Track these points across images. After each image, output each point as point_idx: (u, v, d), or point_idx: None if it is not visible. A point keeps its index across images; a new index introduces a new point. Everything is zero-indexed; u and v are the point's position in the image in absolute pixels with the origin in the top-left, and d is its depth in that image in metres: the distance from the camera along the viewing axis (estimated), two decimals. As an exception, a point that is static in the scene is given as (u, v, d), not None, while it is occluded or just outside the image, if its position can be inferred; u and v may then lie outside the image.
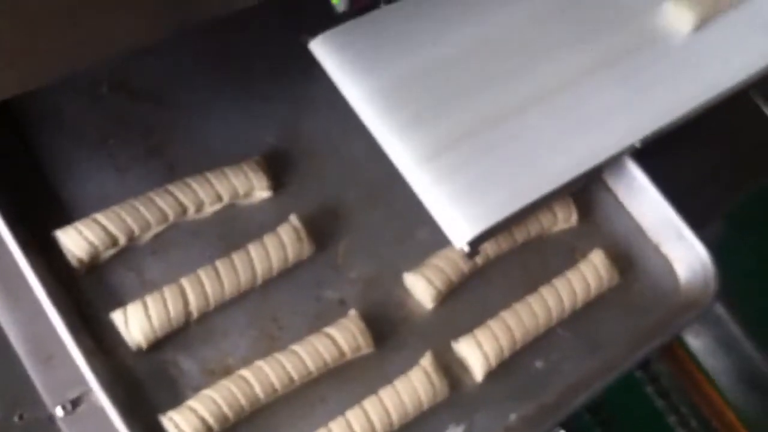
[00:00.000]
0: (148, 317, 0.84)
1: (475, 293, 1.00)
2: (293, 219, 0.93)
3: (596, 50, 1.03)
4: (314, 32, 0.95)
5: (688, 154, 1.15)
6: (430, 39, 0.99)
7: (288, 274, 0.93)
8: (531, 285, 1.01)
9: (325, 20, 0.95)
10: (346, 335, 0.89)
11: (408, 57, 0.97)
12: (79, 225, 0.86)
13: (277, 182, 0.96)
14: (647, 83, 1.03)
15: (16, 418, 0.81)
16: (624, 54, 1.04)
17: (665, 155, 1.06)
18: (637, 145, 0.98)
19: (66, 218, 0.87)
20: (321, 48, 0.95)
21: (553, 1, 1.06)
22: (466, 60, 0.99)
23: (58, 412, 0.81)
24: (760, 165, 1.25)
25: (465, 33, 1.01)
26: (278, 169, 0.98)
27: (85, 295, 0.87)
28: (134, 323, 0.84)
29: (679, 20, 1.07)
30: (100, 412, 0.81)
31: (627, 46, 1.05)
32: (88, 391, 0.81)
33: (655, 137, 0.99)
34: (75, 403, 0.81)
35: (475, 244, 0.90)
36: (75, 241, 0.85)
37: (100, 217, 0.86)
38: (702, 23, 1.07)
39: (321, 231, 0.96)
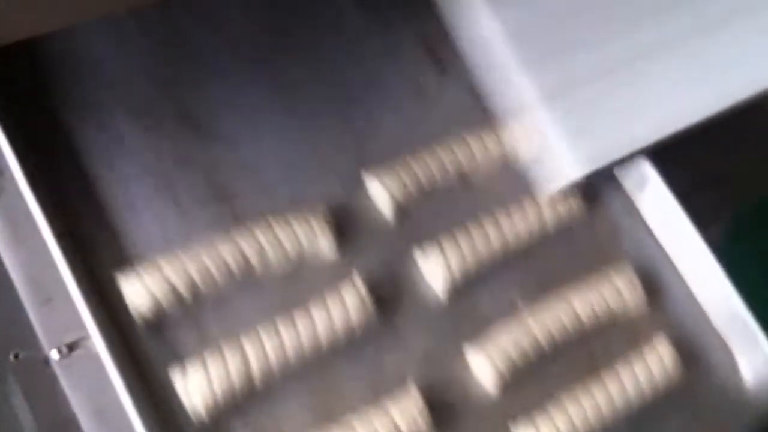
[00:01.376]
0: (209, 380, 0.82)
1: (536, 374, 0.94)
2: (357, 281, 0.90)
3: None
4: None
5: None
6: None
7: (348, 337, 0.89)
8: (593, 369, 0.96)
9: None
10: (406, 417, 0.85)
11: None
12: (145, 276, 0.84)
13: (342, 237, 0.94)
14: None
15: (11, 357, 0.79)
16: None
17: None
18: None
19: (125, 258, 0.87)
20: None
21: None
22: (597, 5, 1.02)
23: (54, 355, 0.79)
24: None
25: None
26: (344, 222, 0.96)
27: (142, 348, 0.84)
28: (194, 386, 0.81)
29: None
30: (95, 358, 0.78)
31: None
32: (85, 336, 0.79)
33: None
34: (71, 347, 0.79)
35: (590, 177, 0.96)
36: (139, 294, 0.83)
37: (166, 267, 0.84)
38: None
39: (384, 294, 0.93)
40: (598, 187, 1.04)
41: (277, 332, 0.85)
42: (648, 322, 1.00)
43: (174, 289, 0.83)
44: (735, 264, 1.01)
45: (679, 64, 1.01)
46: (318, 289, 0.89)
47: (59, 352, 0.78)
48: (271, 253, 0.88)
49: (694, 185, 1.10)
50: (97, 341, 0.78)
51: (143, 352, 0.82)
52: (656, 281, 1.03)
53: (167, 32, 0.96)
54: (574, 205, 1.01)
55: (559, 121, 0.96)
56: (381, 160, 0.97)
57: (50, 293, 0.80)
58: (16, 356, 0.78)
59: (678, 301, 1.03)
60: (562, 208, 1.00)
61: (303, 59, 1.00)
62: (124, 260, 0.85)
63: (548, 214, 0.99)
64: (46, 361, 0.79)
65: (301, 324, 0.86)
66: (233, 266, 0.86)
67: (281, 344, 0.84)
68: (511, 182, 1.01)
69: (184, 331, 0.85)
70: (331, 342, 0.87)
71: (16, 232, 0.82)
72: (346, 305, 0.88)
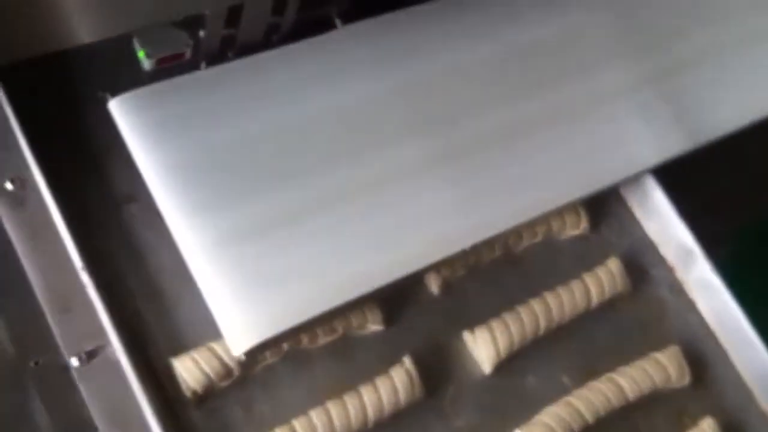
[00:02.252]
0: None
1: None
2: (407, 362, 0.90)
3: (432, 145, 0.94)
4: (118, 91, 0.86)
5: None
6: (246, 113, 0.88)
7: (396, 417, 0.88)
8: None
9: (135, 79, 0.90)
10: None
11: (216, 131, 0.86)
12: (195, 354, 0.84)
13: (389, 314, 0.93)
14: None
15: (32, 363, 0.79)
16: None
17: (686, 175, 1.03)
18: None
19: (178, 345, 0.86)
20: (120, 109, 0.85)
21: (397, 86, 0.95)
22: (281, 142, 0.88)
23: (74, 362, 0.79)
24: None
25: (287, 110, 0.90)
26: (391, 296, 0.94)
27: (192, 428, 0.84)
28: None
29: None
30: (114, 366, 0.79)
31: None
32: (104, 344, 0.80)
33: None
34: (91, 354, 0.80)
35: (254, 352, 0.81)
36: (191, 371, 0.83)
37: (215, 346, 0.84)
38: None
39: (430, 370, 0.92)
40: (644, 265, 1.05)
41: (327, 411, 0.84)
42: (692, 400, 0.99)
43: (224, 364, 0.83)
44: (739, 285, 1.01)
45: (364, 219, 0.88)
46: (367, 367, 0.89)
47: (79, 359, 0.79)
48: (318, 327, 0.88)
49: (700, 208, 1.09)
50: (117, 348, 0.79)
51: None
52: (701, 359, 1.02)
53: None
54: (621, 283, 1.00)
55: (226, 275, 0.81)
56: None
57: (70, 301, 0.81)
58: (36, 363, 0.79)
59: (723, 379, 1.02)
60: (609, 288, 0.99)
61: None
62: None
63: (596, 293, 0.98)
64: (66, 368, 0.79)
65: (351, 405, 0.85)
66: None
67: (330, 423, 0.83)
68: (557, 259, 1.01)
69: (232, 409, 0.85)
70: (379, 421, 0.86)
71: (36, 242, 0.83)
72: (395, 386, 0.87)
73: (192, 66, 0.91)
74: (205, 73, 0.90)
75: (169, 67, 0.90)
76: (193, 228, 0.82)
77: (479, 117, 0.96)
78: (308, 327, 0.84)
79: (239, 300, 0.80)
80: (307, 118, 0.90)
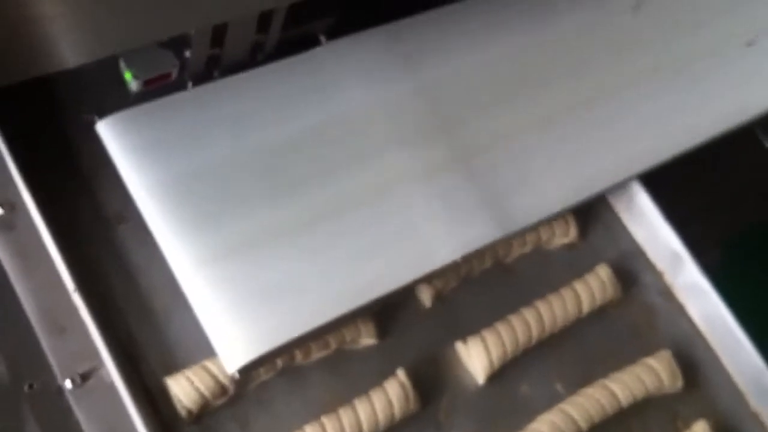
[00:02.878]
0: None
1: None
2: (401, 374, 0.90)
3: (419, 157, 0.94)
4: (105, 112, 0.87)
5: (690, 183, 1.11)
6: (234, 132, 0.90)
7: (391, 429, 0.88)
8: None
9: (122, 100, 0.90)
10: None
11: (205, 150, 0.88)
12: (189, 373, 0.84)
13: (382, 327, 0.93)
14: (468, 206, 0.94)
15: (26, 388, 0.79)
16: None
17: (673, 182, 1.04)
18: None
19: (171, 364, 0.86)
20: (108, 131, 0.86)
21: (381, 100, 0.96)
22: (269, 159, 0.89)
23: (68, 384, 0.79)
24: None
25: (274, 127, 0.91)
26: (383, 308, 0.94)
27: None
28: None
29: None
30: (109, 387, 0.79)
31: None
32: (98, 366, 0.80)
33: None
34: (84, 377, 0.80)
35: (248, 369, 0.81)
36: (185, 390, 0.83)
37: (209, 364, 0.84)
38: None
39: (424, 381, 0.92)
40: (634, 271, 1.05)
41: (322, 426, 0.84)
42: (685, 403, 1.00)
43: (219, 383, 0.83)
44: (728, 289, 1.01)
45: (352, 234, 0.88)
46: (361, 381, 0.89)
47: (72, 381, 0.79)
48: (312, 342, 0.88)
49: (687, 213, 1.09)
50: (110, 367, 0.79)
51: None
52: (693, 363, 1.02)
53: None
54: (612, 289, 1.00)
55: (218, 292, 0.81)
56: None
57: (63, 323, 0.81)
58: (30, 386, 0.79)
59: (714, 382, 1.02)
60: (599, 294, 0.99)
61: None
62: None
63: (586, 301, 0.98)
64: (60, 391, 0.79)
65: (346, 419, 0.85)
66: (278, 360, 0.86)
67: None
68: (547, 267, 1.02)
69: (228, 426, 0.85)
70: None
71: (27, 264, 0.83)
72: (390, 399, 0.87)
73: (178, 86, 0.91)
74: (191, 93, 0.90)
75: (155, 88, 0.89)
76: (184, 246, 0.82)
77: (465, 127, 0.97)
78: (302, 342, 0.84)
79: (232, 317, 0.80)
80: (294, 134, 0.90)
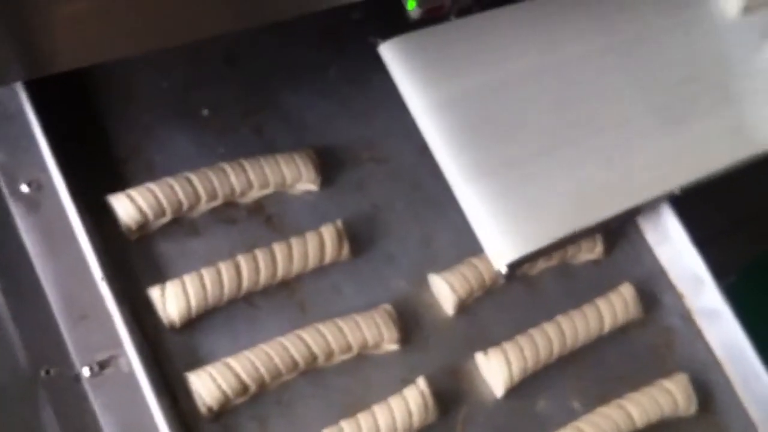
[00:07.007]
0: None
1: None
2: (421, 383, 0.89)
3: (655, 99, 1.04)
4: (385, 36, 0.94)
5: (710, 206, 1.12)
6: (498, 58, 0.98)
7: None
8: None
9: (398, 26, 0.94)
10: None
11: (475, 73, 0.96)
12: (212, 369, 0.83)
13: (404, 334, 0.92)
14: (696, 135, 1.03)
15: (42, 373, 0.77)
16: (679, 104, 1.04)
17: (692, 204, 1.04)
18: (677, 192, 0.98)
19: (194, 359, 0.84)
20: (390, 52, 0.95)
21: (626, 42, 1.05)
22: (530, 84, 0.98)
23: (85, 372, 0.78)
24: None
25: (532, 57, 1.00)
26: (407, 318, 0.94)
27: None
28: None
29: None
30: (127, 377, 0.78)
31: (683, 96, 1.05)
32: (117, 355, 0.79)
33: (693, 186, 0.99)
34: (102, 365, 0.78)
35: (514, 267, 0.90)
36: (207, 387, 0.82)
37: (233, 362, 0.83)
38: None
39: (443, 390, 0.90)
40: (655, 291, 1.04)
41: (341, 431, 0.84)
42: (697, 427, 1.00)
43: (241, 381, 0.82)
44: (743, 315, 1.01)
45: (608, 153, 0.98)
46: (381, 387, 0.89)
47: (90, 369, 0.78)
48: (335, 346, 0.87)
49: (711, 236, 1.09)
50: (133, 357, 0.77)
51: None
52: (707, 388, 1.02)
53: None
54: (634, 309, 1.00)
55: (488, 202, 0.91)
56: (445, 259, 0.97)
57: (86, 310, 0.79)
58: (47, 372, 0.77)
59: (727, 409, 1.02)
60: (621, 314, 0.99)
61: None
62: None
63: (608, 319, 0.98)
64: (77, 378, 0.78)
65: (365, 424, 0.84)
66: (298, 358, 0.85)
67: None
68: (570, 282, 1.01)
69: (247, 426, 0.84)
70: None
71: (52, 247, 0.81)
72: (409, 407, 0.87)
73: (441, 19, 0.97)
74: (460, 22, 0.98)
75: (430, 18, 0.94)
76: (459, 162, 0.91)
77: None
78: (558, 246, 0.95)
79: (501, 221, 0.90)
80: (554, 63, 1.00)
